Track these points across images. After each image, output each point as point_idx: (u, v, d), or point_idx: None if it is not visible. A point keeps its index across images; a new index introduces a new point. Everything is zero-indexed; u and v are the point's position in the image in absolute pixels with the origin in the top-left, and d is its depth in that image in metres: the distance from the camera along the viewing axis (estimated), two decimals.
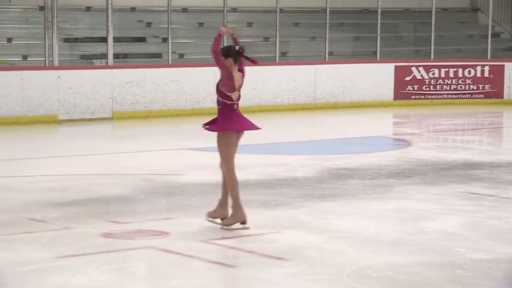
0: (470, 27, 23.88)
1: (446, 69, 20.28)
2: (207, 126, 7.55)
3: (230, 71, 7.38)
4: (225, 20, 18.32)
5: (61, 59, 17.04)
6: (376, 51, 20.24)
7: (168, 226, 7.50)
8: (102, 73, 16.88)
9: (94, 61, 18.36)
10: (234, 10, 20.95)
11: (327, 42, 19.60)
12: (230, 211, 7.49)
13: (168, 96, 17.39)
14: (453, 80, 20.33)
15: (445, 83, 20.30)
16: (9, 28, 18.99)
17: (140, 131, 15.67)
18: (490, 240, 7.13)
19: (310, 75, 19.14)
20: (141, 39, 19.89)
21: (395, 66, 20.01)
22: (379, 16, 20.29)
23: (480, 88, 20.44)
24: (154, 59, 19.22)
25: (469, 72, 20.37)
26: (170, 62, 17.79)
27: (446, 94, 20.33)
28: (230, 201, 7.48)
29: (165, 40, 18.36)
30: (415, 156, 11.92)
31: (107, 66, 17.14)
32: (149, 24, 20.28)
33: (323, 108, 19.16)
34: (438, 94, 20.28)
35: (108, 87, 16.75)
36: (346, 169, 10.72)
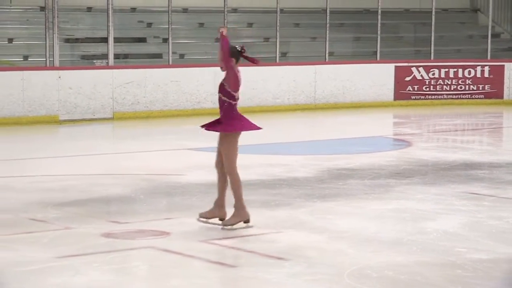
0: (470, 28, 23.88)
1: (446, 70, 20.30)
2: (211, 127, 7.50)
3: (235, 71, 7.43)
4: (225, 21, 18.33)
5: (62, 60, 17.05)
6: (376, 52, 20.25)
7: (169, 226, 7.51)
8: (103, 74, 16.89)
9: (94, 61, 18.37)
10: (235, 10, 20.96)
11: (327, 43, 19.61)
12: (226, 211, 7.51)
13: (168, 96, 17.40)
14: (453, 80, 20.34)
15: (445, 83, 20.31)
16: (10, 29, 19.00)
17: (140, 131, 15.68)
18: (490, 240, 7.14)
19: (310, 75, 19.15)
20: (142, 40, 19.90)
21: (395, 67, 20.01)
22: (379, 17, 20.30)
23: (480, 89, 20.45)
24: (154, 59, 19.23)
25: (469, 73, 20.38)
26: (170, 63, 17.80)
27: (446, 94, 20.34)
28: (226, 201, 7.49)
29: (165, 40, 18.37)
30: (415, 156, 11.93)
31: (107, 67, 17.15)
32: (149, 25, 20.28)
33: (324, 109, 19.17)
34: (438, 95, 20.29)
35: (109, 88, 16.76)
36: (346, 169, 10.73)
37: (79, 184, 9.71)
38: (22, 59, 18.16)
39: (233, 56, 7.43)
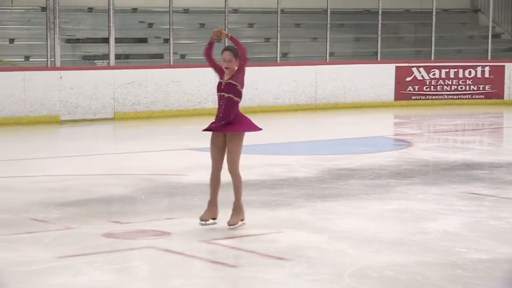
0: (470, 28, 23.90)
1: (447, 70, 20.31)
2: (228, 129, 7.39)
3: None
4: (226, 21, 18.35)
5: (63, 60, 17.07)
6: (377, 52, 20.27)
7: (170, 226, 7.52)
8: (104, 74, 16.92)
9: (96, 61, 18.39)
10: (235, 11, 20.98)
11: (328, 43, 19.63)
12: (219, 210, 7.53)
13: (169, 96, 17.42)
14: (454, 80, 20.35)
15: (446, 83, 20.33)
16: (11, 29, 19.03)
17: (141, 131, 15.70)
18: (490, 240, 7.15)
19: (311, 75, 19.16)
20: (143, 40, 19.93)
21: (396, 67, 20.03)
22: (379, 17, 20.32)
23: (481, 89, 20.47)
24: (155, 59, 19.26)
25: (470, 73, 20.40)
26: (171, 63, 17.82)
27: (447, 94, 20.35)
28: (218, 200, 7.52)
29: (166, 40, 18.39)
30: (416, 157, 11.94)
31: (109, 67, 17.17)
32: (150, 25, 20.30)
33: (324, 109, 19.19)
34: (438, 95, 20.30)
35: (110, 88, 16.78)
36: (347, 169, 10.74)
37: (80, 184, 9.72)
38: (23, 60, 18.19)
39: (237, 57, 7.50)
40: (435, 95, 20.27)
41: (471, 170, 10.73)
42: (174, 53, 17.93)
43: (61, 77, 16.33)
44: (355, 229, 7.47)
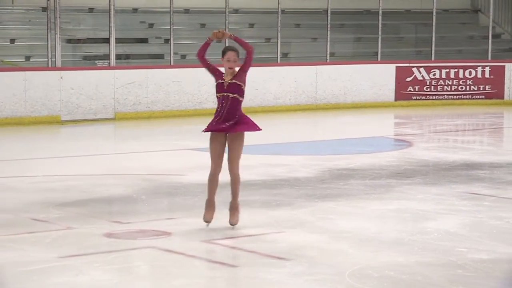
0: (470, 28, 23.91)
1: (447, 70, 20.32)
2: (237, 129, 7.37)
3: None
4: (227, 21, 18.36)
5: (64, 60, 17.09)
6: (377, 52, 20.28)
7: (170, 226, 7.53)
8: (105, 74, 16.93)
9: (96, 62, 18.41)
10: (236, 11, 20.99)
11: (328, 43, 19.63)
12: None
13: (170, 96, 17.43)
14: (454, 80, 20.36)
15: (446, 83, 20.33)
16: (12, 29, 19.04)
17: (142, 131, 15.71)
18: (490, 240, 7.15)
19: (311, 76, 19.17)
20: (143, 40, 19.94)
21: (396, 67, 20.04)
22: (380, 17, 20.33)
23: (481, 89, 20.47)
24: (156, 60, 19.27)
25: (470, 73, 20.41)
26: (172, 63, 17.83)
27: (447, 94, 20.36)
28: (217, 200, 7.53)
29: (167, 41, 18.40)
30: (416, 157, 11.95)
31: (109, 67, 17.18)
32: (151, 25, 20.32)
33: (325, 109, 19.20)
34: (439, 95, 20.31)
35: (111, 88, 16.79)
36: (347, 170, 10.75)
37: (81, 184, 9.73)
38: (24, 60, 18.21)
39: None
40: (435, 95, 20.28)
41: (472, 170, 10.74)
42: (174, 53, 17.94)
43: (61, 77, 16.34)
44: (356, 229, 7.48)
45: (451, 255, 6.62)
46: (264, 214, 8.10)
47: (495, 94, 20.48)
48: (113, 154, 12.86)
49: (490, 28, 21.33)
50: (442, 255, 6.62)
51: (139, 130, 15.86)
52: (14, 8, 19.49)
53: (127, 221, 7.78)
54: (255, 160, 11.20)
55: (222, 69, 7.55)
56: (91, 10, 19.83)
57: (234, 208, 7.52)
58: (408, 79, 20.09)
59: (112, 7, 17.15)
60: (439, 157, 11.99)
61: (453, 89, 20.37)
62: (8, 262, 6.39)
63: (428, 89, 20.23)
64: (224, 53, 7.49)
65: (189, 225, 7.55)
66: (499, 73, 20.49)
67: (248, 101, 16.59)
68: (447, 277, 6.06)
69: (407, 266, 6.33)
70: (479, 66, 20.46)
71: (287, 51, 20.63)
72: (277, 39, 19.09)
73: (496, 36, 22.66)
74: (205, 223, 7.50)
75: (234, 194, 7.51)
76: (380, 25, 20.27)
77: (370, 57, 20.66)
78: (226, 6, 18.46)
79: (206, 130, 7.49)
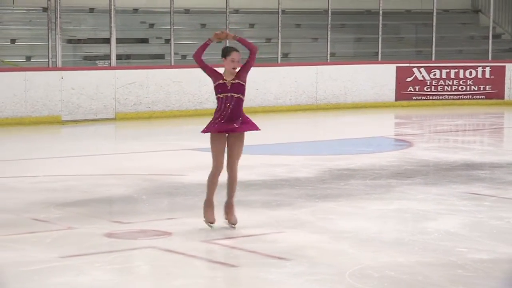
0: (471, 28, 23.92)
1: (447, 70, 20.33)
2: (243, 128, 7.39)
3: None
4: (227, 21, 18.37)
5: (64, 60, 17.10)
6: (377, 52, 20.28)
7: (171, 226, 7.54)
8: (105, 74, 16.94)
9: (97, 62, 18.42)
10: (236, 11, 21.00)
11: (329, 43, 19.64)
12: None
13: (170, 97, 17.44)
14: (454, 81, 20.37)
15: (446, 84, 20.34)
16: (12, 29, 19.06)
17: (143, 131, 15.72)
18: (491, 240, 7.16)
19: (312, 76, 19.18)
20: (144, 40, 19.95)
21: (397, 67, 20.05)
22: (380, 17, 20.33)
23: (481, 89, 20.48)
24: (156, 60, 19.28)
25: (470, 73, 20.41)
26: (172, 63, 17.84)
27: (447, 95, 20.37)
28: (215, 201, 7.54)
29: (167, 41, 18.41)
30: (417, 157, 11.96)
31: (110, 67, 17.19)
32: (151, 25, 20.33)
33: (325, 109, 19.20)
34: (439, 95, 20.32)
35: (111, 88, 16.80)
36: (347, 170, 10.76)
37: (82, 184, 9.74)
38: (25, 60, 18.22)
39: None
40: (435, 95, 20.28)
41: (472, 170, 10.75)
42: (175, 53, 17.95)
43: (62, 78, 16.35)
44: (356, 229, 7.48)
45: (451, 255, 6.62)
46: (265, 214, 8.10)
47: (496, 94, 20.49)
48: (114, 154, 12.87)
49: (491, 28, 21.34)
50: (443, 255, 6.62)
51: (140, 130, 15.87)
52: (14, 8, 19.50)
53: (128, 221, 7.78)
54: (256, 160, 11.21)
55: (218, 69, 7.56)
56: (91, 10, 19.84)
57: (231, 207, 7.51)
58: (409, 79, 20.09)
59: (112, 7, 17.16)
60: (440, 157, 11.99)
61: (453, 89, 20.38)
62: (9, 262, 6.40)
63: (429, 89, 20.23)
64: (227, 53, 7.47)
65: (189, 225, 7.56)
66: (499, 73, 20.50)
67: (249, 101, 16.61)
68: (448, 277, 6.07)
69: (408, 266, 6.33)
70: (480, 66, 20.47)
71: (288, 51, 20.64)
72: (278, 39, 19.10)
73: (496, 37, 22.67)
74: (209, 225, 7.47)
75: (232, 193, 7.50)
76: (380, 25, 20.28)
77: (371, 57, 20.67)
78: (226, 6, 18.47)
79: (213, 131, 7.40)
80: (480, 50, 21.79)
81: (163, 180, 10.00)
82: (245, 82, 7.47)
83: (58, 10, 16.64)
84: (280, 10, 19.16)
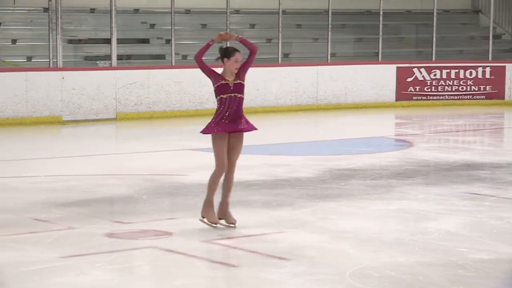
0: (471, 29, 23.92)
1: (448, 70, 20.33)
2: (246, 128, 7.43)
3: None
4: (227, 22, 18.38)
5: (65, 60, 17.11)
6: (378, 53, 20.29)
7: (172, 226, 7.55)
8: (106, 74, 16.95)
9: (98, 62, 18.43)
10: (237, 11, 21.01)
11: (329, 44, 19.65)
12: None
13: (171, 97, 17.45)
14: (455, 81, 20.37)
15: (447, 84, 20.34)
16: (13, 30, 19.08)
17: (143, 132, 15.73)
18: (491, 240, 7.16)
19: (312, 76, 19.19)
20: (145, 41, 19.96)
21: (397, 67, 20.05)
22: (381, 18, 20.34)
23: (481, 89, 20.48)
24: (157, 60, 19.30)
25: (471, 73, 20.42)
26: (173, 63, 17.84)
27: (448, 95, 20.37)
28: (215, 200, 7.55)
29: (168, 41, 18.42)
30: (417, 157, 11.96)
31: (110, 67, 17.20)
32: (152, 26, 20.34)
33: (326, 109, 19.21)
34: (439, 95, 20.32)
35: (112, 88, 16.81)
36: (348, 170, 10.77)
37: (82, 184, 9.75)
38: (25, 60, 18.23)
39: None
40: (436, 95, 20.29)
41: (472, 171, 10.75)
42: (176, 53, 17.96)
43: (63, 78, 16.37)
44: (356, 229, 7.49)
45: (451, 255, 6.63)
46: (265, 214, 8.11)
47: (496, 94, 20.50)
48: (115, 154, 12.88)
49: (491, 28, 21.34)
50: (443, 255, 6.63)
51: (141, 130, 15.88)
52: (15, 8, 19.51)
53: (129, 221, 7.79)
54: (256, 160, 11.22)
55: (216, 70, 7.58)
56: (92, 10, 19.86)
57: (227, 207, 7.50)
58: (409, 79, 20.10)
59: (113, 7, 17.17)
60: (440, 157, 12.00)
61: (453, 90, 20.38)
62: (9, 262, 6.41)
63: (429, 90, 20.24)
64: (231, 54, 7.47)
65: (190, 225, 7.56)
66: (499, 73, 20.50)
67: (249, 101, 16.64)
68: (448, 277, 6.08)
69: (408, 266, 6.34)
70: (480, 66, 20.47)
71: (288, 51, 20.64)
72: (278, 39, 19.11)
73: (496, 37, 22.68)
74: (213, 225, 7.47)
75: (228, 193, 7.50)
76: (381, 26, 20.28)
77: (371, 58, 20.68)
78: (227, 7, 18.48)
79: (219, 131, 7.38)
80: (480, 50, 21.80)
81: (163, 180, 10.01)
82: (244, 82, 7.50)
83: (59, 10, 16.65)
84: (280, 11, 19.17)
